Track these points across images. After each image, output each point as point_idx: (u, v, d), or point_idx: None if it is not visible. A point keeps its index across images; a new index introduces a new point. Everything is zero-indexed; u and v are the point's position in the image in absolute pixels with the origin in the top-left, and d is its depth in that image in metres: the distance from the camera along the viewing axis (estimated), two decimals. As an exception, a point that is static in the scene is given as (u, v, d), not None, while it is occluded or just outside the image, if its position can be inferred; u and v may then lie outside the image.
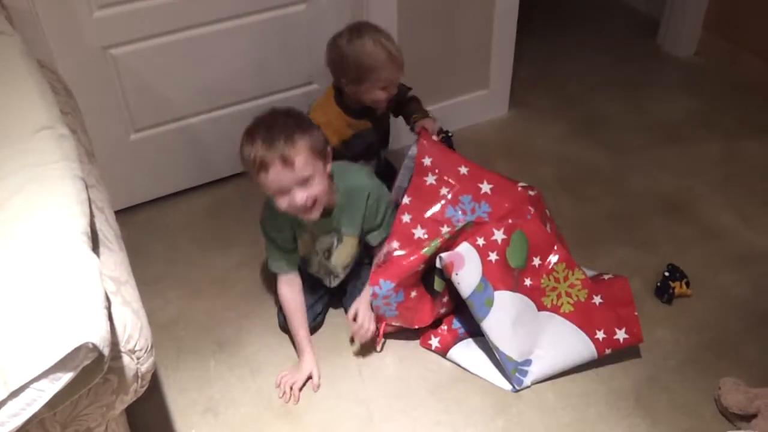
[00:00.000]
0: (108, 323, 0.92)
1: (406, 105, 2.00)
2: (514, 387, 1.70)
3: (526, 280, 1.74)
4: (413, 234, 1.75)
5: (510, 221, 1.72)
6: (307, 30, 2.15)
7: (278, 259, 1.74)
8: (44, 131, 1.23)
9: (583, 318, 1.73)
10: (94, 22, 1.87)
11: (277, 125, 1.52)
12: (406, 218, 1.76)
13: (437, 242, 1.68)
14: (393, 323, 1.76)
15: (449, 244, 1.69)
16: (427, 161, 1.79)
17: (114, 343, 1.03)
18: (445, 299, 1.77)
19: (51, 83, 1.62)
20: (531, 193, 1.81)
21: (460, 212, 1.78)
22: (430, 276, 1.73)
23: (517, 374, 1.70)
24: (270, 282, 1.97)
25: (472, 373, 1.74)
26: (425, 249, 1.69)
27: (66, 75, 1.80)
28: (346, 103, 1.88)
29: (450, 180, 1.80)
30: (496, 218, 1.74)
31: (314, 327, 1.84)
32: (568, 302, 1.75)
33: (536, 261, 1.75)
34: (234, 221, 2.19)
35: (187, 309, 1.92)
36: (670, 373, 1.73)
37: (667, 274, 1.91)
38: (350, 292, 1.87)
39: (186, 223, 2.19)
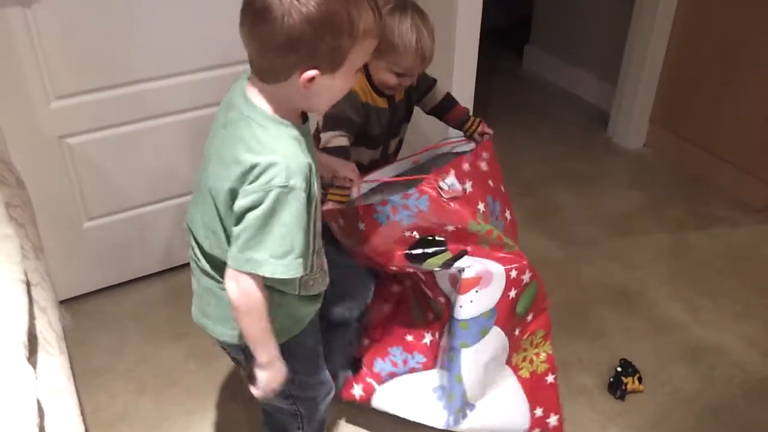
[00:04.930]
0: (38, 443, 0.89)
1: (446, 105, 1.86)
2: (449, 423, 1.66)
3: (516, 330, 1.69)
4: (465, 181, 1.61)
5: (535, 270, 1.67)
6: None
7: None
8: (-13, 232, 1.21)
9: (533, 390, 1.72)
10: (50, 112, 1.87)
11: None
12: (465, 166, 1.62)
13: (485, 227, 1.57)
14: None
15: (494, 243, 1.59)
16: (485, 155, 1.72)
17: (46, 459, 0.99)
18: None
19: (1, 174, 1.61)
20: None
21: (493, 208, 1.71)
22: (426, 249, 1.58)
23: (459, 414, 1.66)
24: (218, 376, 1.93)
25: (400, 417, 1.71)
26: (473, 223, 1.55)
27: (19, 163, 1.80)
28: (367, 72, 1.70)
29: (494, 180, 1.74)
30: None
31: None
32: (528, 369, 1.73)
33: (530, 317, 1.70)
34: (185, 311, 2.10)
35: (133, 404, 1.86)
36: (624, 472, 1.72)
37: (619, 369, 1.92)
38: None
39: (136, 313, 2.15)
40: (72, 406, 1.14)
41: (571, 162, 3.00)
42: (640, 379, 1.91)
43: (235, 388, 1.91)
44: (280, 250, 1.09)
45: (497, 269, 1.58)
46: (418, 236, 1.56)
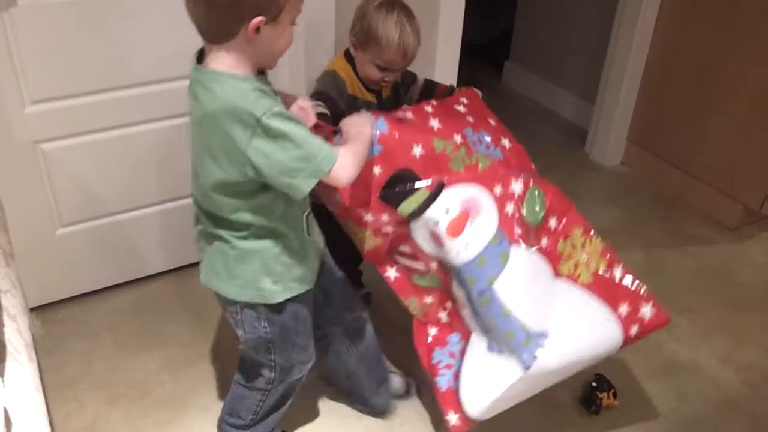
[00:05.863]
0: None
1: (429, 88, 1.90)
2: (525, 364, 1.48)
3: (542, 239, 1.54)
4: (428, 120, 1.57)
5: (527, 175, 1.57)
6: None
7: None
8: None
9: (605, 290, 1.55)
10: (25, 117, 1.85)
11: None
12: (428, 108, 1.61)
13: (451, 143, 1.50)
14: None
15: (467, 163, 1.50)
16: (464, 100, 1.72)
17: (11, 469, 0.97)
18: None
19: (-27, 179, 1.58)
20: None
21: (477, 138, 1.62)
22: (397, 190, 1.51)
23: (530, 345, 1.47)
24: (190, 388, 1.91)
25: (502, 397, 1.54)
26: (437, 140, 1.50)
27: (-8, 168, 1.77)
28: (354, 67, 1.77)
29: (475, 117, 1.68)
30: (509, 167, 1.58)
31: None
32: (586, 272, 1.56)
33: (552, 222, 1.57)
34: (158, 320, 2.13)
35: (103, 415, 1.83)
36: (597, 488, 1.72)
37: (594, 384, 1.92)
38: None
39: (109, 322, 2.11)
40: (40, 415, 1.12)
41: (548, 178, 2.99)
42: (614, 395, 1.91)
43: (207, 400, 1.88)
44: (317, 144, 1.23)
45: (479, 192, 1.50)
46: (388, 175, 1.50)
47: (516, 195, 1.53)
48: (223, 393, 1.89)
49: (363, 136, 1.39)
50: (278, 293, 1.43)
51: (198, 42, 1.95)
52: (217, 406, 1.85)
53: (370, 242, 1.59)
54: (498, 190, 1.51)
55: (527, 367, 1.49)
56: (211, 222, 1.38)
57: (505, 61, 3.85)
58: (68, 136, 1.93)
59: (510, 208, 1.51)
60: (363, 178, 1.46)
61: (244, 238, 1.37)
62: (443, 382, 1.64)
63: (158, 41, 1.92)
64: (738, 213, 2.71)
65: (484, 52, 3.95)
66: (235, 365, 1.97)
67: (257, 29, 1.20)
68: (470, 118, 1.68)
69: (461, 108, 1.70)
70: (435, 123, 1.58)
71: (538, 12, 3.55)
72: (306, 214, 1.42)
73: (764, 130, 2.55)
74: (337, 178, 1.26)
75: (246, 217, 1.33)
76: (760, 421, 1.91)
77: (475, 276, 1.50)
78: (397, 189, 1.50)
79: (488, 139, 1.67)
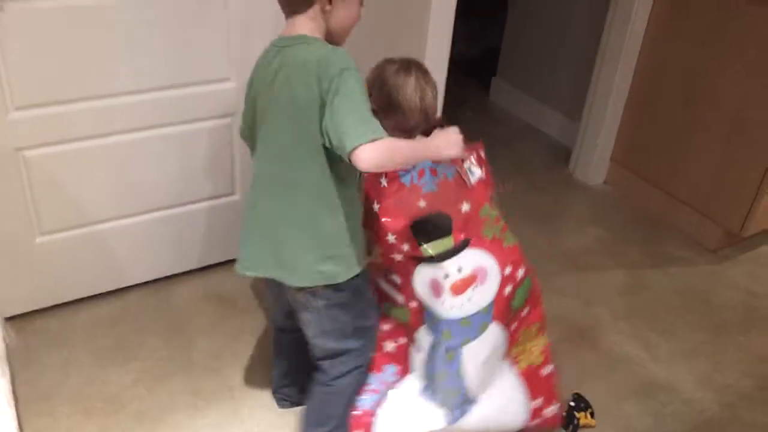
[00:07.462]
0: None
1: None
2: (451, 420, 1.70)
3: (513, 324, 1.73)
4: (481, 167, 1.68)
5: (530, 265, 1.72)
6: (232, 143, 2.16)
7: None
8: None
9: (531, 381, 1.78)
10: (9, 123, 1.83)
11: None
12: (482, 153, 1.71)
13: (495, 214, 1.65)
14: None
15: (497, 235, 1.66)
16: (480, 152, 1.77)
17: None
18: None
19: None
20: None
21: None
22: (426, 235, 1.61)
23: (462, 406, 1.70)
24: (167, 402, 1.89)
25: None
26: (487, 207, 1.64)
27: (-29, 174, 1.75)
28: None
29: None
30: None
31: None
32: (526, 361, 1.78)
33: (525, 311, 1.75)
34: (136, 333, 2.10)
35: (78, 428, 1.79)
36: None
37: (572, 404, 1.93)
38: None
39: (86, 333, 2.09)
40: (12, 429, 1.10)
41: (532, 196, 3.03)
42: (592, 414, 1.92)
43: (183, 415, 1.86)
44: (370, 115, 1.33)
45: (492, 266, 1.63)
46: (429, 211, 1.59)
47: (517, 280, 1.68)
48: (199, 407, 1.88)
49: (424, 147, 1.45)
50: (341, 274, 1.50)
51: (189, 51, 1.97)
52: (192, 422, 1.83)
53: (375, 256, 1.69)
54: (508, 270, 1.65)
55: (450, 423, 1.70)
56: (303, 195, 1.48)
57: (492, 77, 3.87)
58: (51, 144, 1.91)
59: (508, 289, 1.66)
60: (407, 203, 1.58)
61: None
62: (365, 402, 1.75)
63: (149, 50, 1.91)
64: (718, 235, 2.73)
65: (472, 67, 3.97)
66: (212, 379, 1.97)
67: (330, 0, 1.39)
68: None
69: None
70: (482, 172, 1.68)
71: (527, 29, 3.58)
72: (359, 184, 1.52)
73: (744, 155, 2.57)
74: (380, 149, 1.30)
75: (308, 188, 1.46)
76: (736, 444, 1.92)
77: (453, 333, 1.63)
78: (429, 228, 1.59)
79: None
